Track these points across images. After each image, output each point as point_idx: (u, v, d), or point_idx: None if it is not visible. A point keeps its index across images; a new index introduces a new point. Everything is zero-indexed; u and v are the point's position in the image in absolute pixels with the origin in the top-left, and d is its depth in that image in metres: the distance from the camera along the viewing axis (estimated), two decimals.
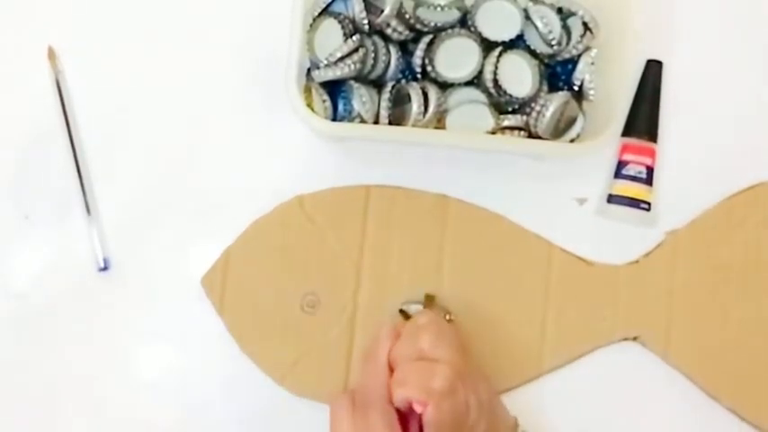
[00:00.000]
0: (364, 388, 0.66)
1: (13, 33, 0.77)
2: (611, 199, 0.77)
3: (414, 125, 0.71)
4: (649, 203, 0.77)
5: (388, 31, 0.72)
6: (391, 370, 0.65)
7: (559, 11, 0.74)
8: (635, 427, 0.76)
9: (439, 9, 0.72)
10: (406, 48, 0.74)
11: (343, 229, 0.75)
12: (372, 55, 0.72)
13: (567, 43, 0.74)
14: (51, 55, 0.76)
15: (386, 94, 0.71)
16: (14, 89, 0.77)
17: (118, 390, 0.75)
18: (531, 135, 0.73)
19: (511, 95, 0.72)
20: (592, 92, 0.73)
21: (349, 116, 0.71)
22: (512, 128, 0.73)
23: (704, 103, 0.79)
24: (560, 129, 0.73)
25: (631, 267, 0.77)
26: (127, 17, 0.78)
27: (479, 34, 0.73)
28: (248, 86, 0.77)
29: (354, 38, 0.70)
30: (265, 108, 0.77)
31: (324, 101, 0.72)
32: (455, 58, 0.72)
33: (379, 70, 0.73)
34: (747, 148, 0.78)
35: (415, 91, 0.71)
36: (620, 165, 0.77)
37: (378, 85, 0.73)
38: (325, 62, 0.70)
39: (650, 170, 0.76)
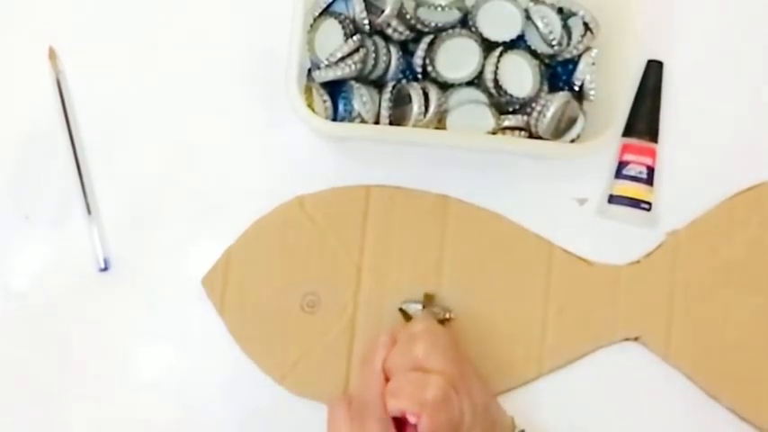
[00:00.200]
0: (361, 395, 0.66)
1: (13, 33, 0.77)
2: (612, 199, 0.77)
3: (414, 125, 0.71)
4: (650, 204, 0.77)
5: (389, 31, 0.72)
6: (387, 378, 0.66)
7: (560, 11, 0.74)
8: (635, 427, 0.76)
9: (439, 9, 0.72)
10: (406, 48, 0.74)
11: (343, 229, 0.75)
12: (373, 55, 0.72)
13: (568, 43, 0.74)
14: (52, 55, 0.76)
15: (386, 95, 0.71)
16: (15, 89, 0.77)
17: (118, 390, 0.75)
18: (531, 135, 0.73)
19: (511, 96, 0.72)
20: (592, 92, 0.73)
21: (349, 116, 0.71)
22: (512, 128, 0.73)
23: (704, 103, 0.79)
24: (561, 129, 0.73)
25: (632, 268, 0.77)
26: (127, 17, 0.77)
27: (480, 34, 0.73)
28: (248, 87, 0.77)
29: (355, 38, 0.70)
30: (266, 108, 0.77)
31: (324, 101, 0.72)
32: (456, 59, 0.72)
33: (380, 70, 0.73)
34: (748, 148, 0.78)
35: (415, 91, 0.71)
36: (621, 165, 0.77)
37: (378, 85, 0.73)
38: (326, 62, 0.70)
39: (651, 170, 0.76)
